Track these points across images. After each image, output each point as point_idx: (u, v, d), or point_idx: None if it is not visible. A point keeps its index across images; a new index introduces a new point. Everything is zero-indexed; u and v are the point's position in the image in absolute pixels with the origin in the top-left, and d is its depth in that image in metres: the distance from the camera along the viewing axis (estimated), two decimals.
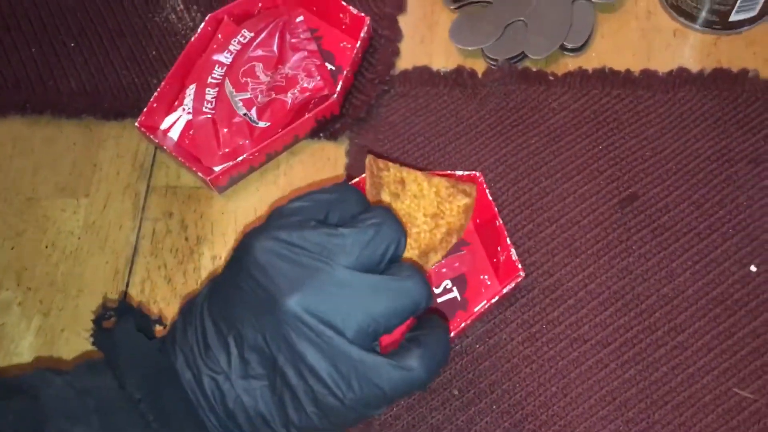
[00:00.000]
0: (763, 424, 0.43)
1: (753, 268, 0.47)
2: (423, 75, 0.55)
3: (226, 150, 0.51)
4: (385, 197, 0.39)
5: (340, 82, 0.52)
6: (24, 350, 0.48)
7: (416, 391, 0.34)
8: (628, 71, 0.53)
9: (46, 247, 0.52)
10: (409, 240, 0.38)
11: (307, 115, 0.51)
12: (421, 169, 0.42)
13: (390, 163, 0.40)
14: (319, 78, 0.52)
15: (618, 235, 0.48)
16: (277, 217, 0.34)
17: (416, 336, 0.35)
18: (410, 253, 0.38)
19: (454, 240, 0.39)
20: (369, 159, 0.39)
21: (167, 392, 0.33)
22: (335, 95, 0.51)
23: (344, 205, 0.35)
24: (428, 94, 0.54)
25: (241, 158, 0.50)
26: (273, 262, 0.32)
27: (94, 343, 0.36)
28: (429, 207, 0.39)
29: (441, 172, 0.47)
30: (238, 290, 0.33)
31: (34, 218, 0.53)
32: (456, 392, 0.45)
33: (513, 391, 0.45)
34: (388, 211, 0.35)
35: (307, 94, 0.52)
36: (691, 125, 0.51)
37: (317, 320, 0.31)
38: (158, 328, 0.39)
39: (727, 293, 0.46)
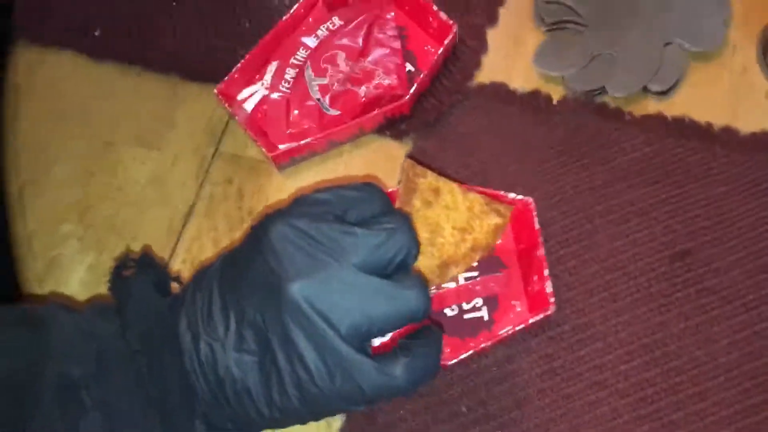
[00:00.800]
0: None
1: None
2: (499, 92, 0.54)
3: (293, 131, 0.53)
4: (417, 203, 0.39)
5: (415, 85, 0.52)
6: (74, 283, 0.52)
7: (398, 396, 0.35)
8: (709, 124, 0.52)
9: (114, 190, 0.55)
10: (431, 248, 0.39)
11: (376, 111, 0.52)
12: (476, 185, 0.42)
13: (428, 171, 0.41)
14: (395, 77, 0.53)
15: (662, 289, 0.47)
16: (298, 205, 0.35)
17: (408, 344, 0.35)
18: (431, 261, 0.39)
19: (477, 257, 0.40)
20: (407, 162, 0.40)
21: (165, 350, 0.35)
22: (407, 96, 0.52)
23: (366, 204, 0.36)
24: (501, 111, 0.54)
25: (304, 141, 0.51)
26: (286, 248, 0.33)
27: (110, 289, 0.38)
28: (459, 220, 0.40)
29: (493, 192, 0.47)
30: (248, 268, 0.34)
31: (107, 162, 0.56)
32: (464, 409, 0.45)
33: (521, 420, 0.45)
34: (406, 219, 0.36)
35: (381, 90, 0.53)
36: (763, 193, 0.49)
37: (315, 311, 0.32)
38: (174, 285, 0.41)
39: (762, 370, 0.45)
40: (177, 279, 0.42)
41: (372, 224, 0.35)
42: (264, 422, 0.36)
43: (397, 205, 0.40)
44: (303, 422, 0.37)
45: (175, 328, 0.35)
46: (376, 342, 0.44)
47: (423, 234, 0.40)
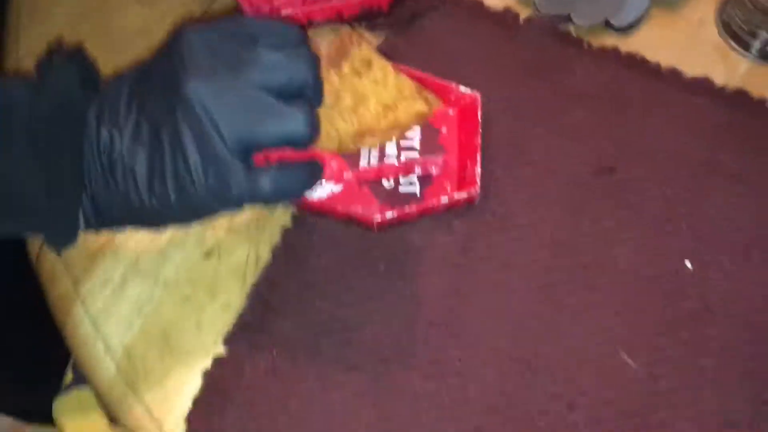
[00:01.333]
0: (630, 390, 0.45)
1: (688, 265, 0.49)
2: (472, 5, 0.59)
3: (277, 4, 0.57)
4: (346, 69, 0.42)
5: None
6: None
7: (263, 203, 0.38)
8: (658, 64, 0.56)
9: (103, 35, 0.59)
10: (352, 116, 0.41)
11: None
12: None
13: (365, 43, 0.43)
14: None
15: (582, 196, 0.51)
16: (216, 22, 0.38)
17: (285, 163, 0.38)
18: (349, 127, 0.41)
19: (394, 135, 0.43)
20: (345, 29, 0.42)
21: (68, 129, 0.37)
22: None
23: (281, 37, 0.38)
24: (471, 23, 0.58)
25: (285, 12, 0.55)
26: (191, 52, 0.36)
27: (35, 67, 0.39)
28: (385, 97, 0.42)
29: (445, 83, 0.51)
30: (155, 68, 0.38)
31: (102, 10, 0.60)
32: (382, 268, 0.49)
33: (430, 285, 0.49)
34: (312, 55, 0.38)
35: None
36: (695, 129, 0.53)
37: (205, 113, 0.35)
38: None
39: (655, 276, 0.48)
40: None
41: (279, 50, 0.37)
42: (144, 210, 0.38)
43: (324, 64, 0.42)
44: (181, 221, 0.40)
45: (84, 114, 0.38)
46: None
47: (347, 101, 0.42)
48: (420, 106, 0.43)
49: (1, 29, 0.61)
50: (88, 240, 0.50)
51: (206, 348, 0.47)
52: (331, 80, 0.42)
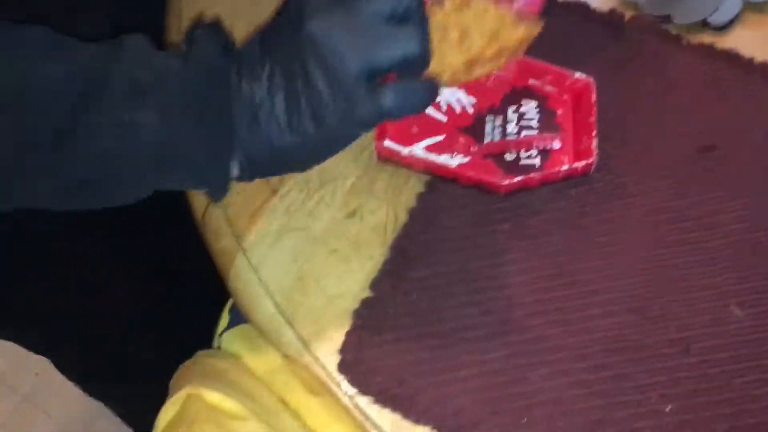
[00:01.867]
0: (740, 338, 0.50)
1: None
2: (580, 7, 0.66)
3: None
4: (449, 5, 0.44)
5: None
6: None
7: (388, 119, 0.43)
8: (751, 59, 0.61)
9: None
10: (459, 47, 0.44)
11: None
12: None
13: None
14: None
15: (686, 169, 0.57)
16: None
17: (403, 80, 0.42)
18: (458, 58, 0.44)
19: (502, 62, 0.46)
20: None
21: (218, 85, 0.42)
22: None
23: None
24: (579, 23, 0.65)
25: None
26: None
27: (183, 40, 0.45)
28: (488, 26, 0.44)
29: (558, 69, 0.58)
30: (280, 20, 0.43)
31: None
32: (506, 227, 0.55)
33: (550, 243, 0.54)
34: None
35: None
36: None
37: (328, 47, 0.40)
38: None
39: (759, 241, 0.53)
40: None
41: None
42: (288, 151, 0.43)
43: (429, 2, 0.44)
44: (321, 155, 0.45)
45: (227, 76, 0.42)
46: None
47: (453, 34, 0.44)
48: (522, 32, 0.46)
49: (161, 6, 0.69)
50: (248, 200, 0.58)
51: (354, 293, 0.54)
52: (435, 17, 0.44)
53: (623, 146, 0.58)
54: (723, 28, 0.63)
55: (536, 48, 0.63)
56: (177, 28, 0.67)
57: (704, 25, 0.63)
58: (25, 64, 0.39)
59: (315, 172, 0.59)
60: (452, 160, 0.57)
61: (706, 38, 0.63)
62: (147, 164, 0.42)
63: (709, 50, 0.62)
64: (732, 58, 0.62)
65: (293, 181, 0.58)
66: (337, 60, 0.40)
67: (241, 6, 0.69)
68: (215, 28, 0.45)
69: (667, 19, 0.64)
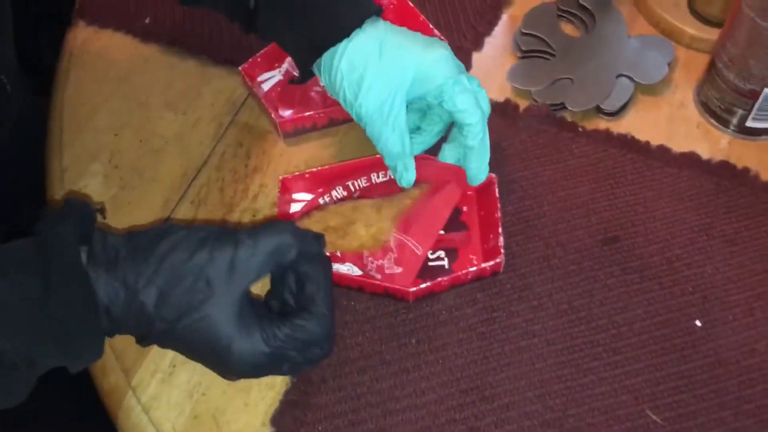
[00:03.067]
0: None
1: (698, 323, 0.53)
2: None
3: (299, 108, 0.63)
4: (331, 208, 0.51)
5: None
6: None
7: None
8: (647, 142, 0.61)
9: (140, 141, 0.64)
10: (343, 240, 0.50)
11: None
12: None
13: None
14: None
15: (593, 265, 0.56)
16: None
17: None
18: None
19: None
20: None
21: (74, 285, 0.39)
22: None
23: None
24: None
25: (308, 113, 0.61)
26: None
27: (33, 231, 0.41)
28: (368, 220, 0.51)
29: (458, 165, 0.57)
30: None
31: (139, 119, 0.66)
32: (414, 341, 0.53)
33: (460, 355, 0.52)
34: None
35: None
36: (687, 199, 0.59)
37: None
38: (100, 218, 0.45)
39: (669, 336, 0.52)
40: (101, 210, 0.46)
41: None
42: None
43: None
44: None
45: (86, 273, 0.40)
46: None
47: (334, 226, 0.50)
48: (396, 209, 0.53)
49: (42, 145, 0.66)
50: None
51: (255, 428, 0.50)
52: (315, 217, 0.50)
53: (528, 243, 0.57)
54: (616, 113, 0.63)
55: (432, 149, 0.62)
56: (58, 167, 0.63)
57: (598, 111, 0.63)
58: None
59: None
60: (355, 269, 0.55)
61: (602, 123, 0.63)
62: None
63: (606, 135, 0.62)
64: (628, 142, 0.62)
65: None
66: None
67: (126, 115, 0.66)
68: (75, 209, 0.43)
69: (561, 107, 0.63)
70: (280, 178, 0.58)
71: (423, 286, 0.53)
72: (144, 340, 0.43)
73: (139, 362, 0.53)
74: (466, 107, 0.52)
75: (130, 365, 0.53)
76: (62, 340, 0.40)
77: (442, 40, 0.65)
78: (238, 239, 0.42)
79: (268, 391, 0.51)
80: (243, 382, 0.51)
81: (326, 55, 0.53)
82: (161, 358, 0.53)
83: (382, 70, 0.52)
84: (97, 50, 0.71)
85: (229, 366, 0.42)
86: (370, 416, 0.50)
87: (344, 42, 0.52)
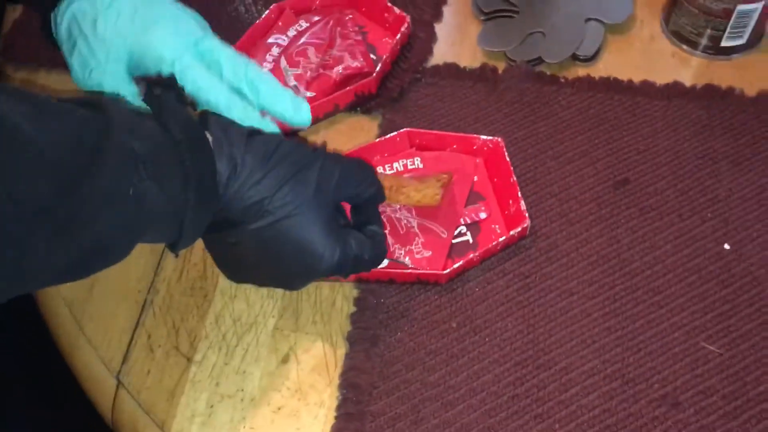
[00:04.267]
0: (725, 374, 0.48)
1: (726, 246, 0.53)
2: (451, 69, 0.63)
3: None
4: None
5: (380, 65, 0.60)
6: None
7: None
8: (630, 81, 0.61)
9: None
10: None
11: (347, 88, 0.59)
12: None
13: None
14: (362, 59, 0.61)
15: (609, 211, 0.55)
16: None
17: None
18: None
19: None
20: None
21: (198, 143, 0.41)
22: (374, 73, 0.60)
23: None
24: (454, 85, 0.62)
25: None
26: None
27: (144, 99, 0.43)
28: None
29: (466, 135, 0.56)
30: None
31: None
32: (454, 325, 0.51)
33: (504, 329, 0.50)
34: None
35: (350, 71, 0.60)
36: (682, 128, 0.58)
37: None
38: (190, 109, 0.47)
39: (701, 265, 0.52)
40: (192, 103, 0.47)
41: None
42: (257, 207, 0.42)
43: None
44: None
45: (204, 136, 0.41)
46: None
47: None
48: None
49: None
50: (162, 378, 0.50)
51: None
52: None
53: (541, 202, 0.56)
54: (592, 58, 0.62)
55: (414, 123, 0.60)
56: None
57: (574, 58, 0.62)
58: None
59: (230, 323, 0.52)
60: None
61: (581, 71, 0.62)
62: (145, 228, 0.40)
63: (588, 82, 0.61)
64: (612, 84, 0.61)
65: (206, 343, 0.51)
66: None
67: None
68: (171, 84, 0.45)
69: (538, 61, 0.62)
70: None
71: (456, 266, 0.51)
72: (220, 230, 0.43)
73: (172, 412, 0.49)
74: (202, 84, 0.46)
75: (164, 417, 0.49)
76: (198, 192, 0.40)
77: (403, 16, 0.63)
78: (343, 164, 0.45)
79: (318, 409, 0.48)
80: (289, 406, 0.48)
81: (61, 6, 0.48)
82: (194, 401, 0.49)
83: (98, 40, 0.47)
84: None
85: (315, 266, 0.43)
86: (430, 411, 0.48)
87: None
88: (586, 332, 0.50)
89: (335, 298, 0.52)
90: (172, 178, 0.39)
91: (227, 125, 0.43)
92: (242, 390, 0.49)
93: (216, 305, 0.52)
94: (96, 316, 0.53)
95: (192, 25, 0.48)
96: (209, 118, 0.43)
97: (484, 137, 0.55)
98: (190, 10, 0.49)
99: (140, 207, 0.38)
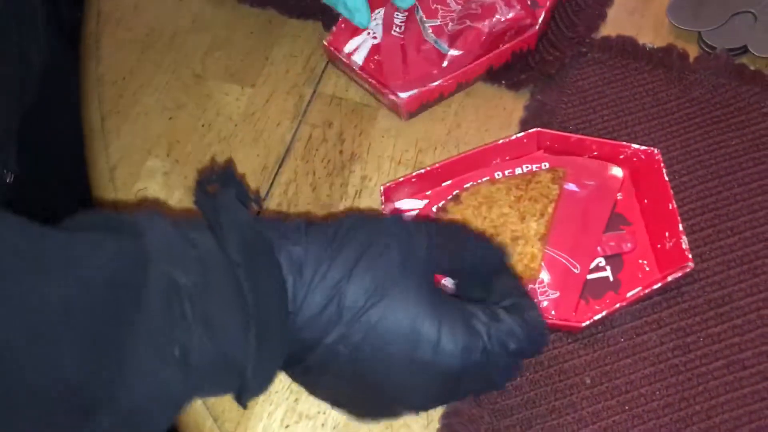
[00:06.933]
0: None
1: None
2: (626, 46, 0.50)
3: (413, 76, 0.49)
4: (466, 202, 0.44)
5: (543, 14, 0.49)
6: None
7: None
8: None
9: (203, 126, 0.51)
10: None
11: (502, 47, 0.48)
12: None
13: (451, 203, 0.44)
14: (519, 8, 0.49)
15: None
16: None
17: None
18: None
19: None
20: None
21: (262, 261, 0.31)
22: (537, 25, 0.48)
23: None
24: (627, 67, 0.50)
25: (434, 84, 0.48)
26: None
27: (196, 203, 0.33)
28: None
29: (614, 142, 0.44)
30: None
31: (197, 95, 0.52)
32: (588, 381, 0.41)
33: (651, 398, 0.41)
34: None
35: (506, 23, 0.48)
36: None
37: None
38: (252, 206, 0.36)
39: None
40: (257, 199, 0.37)
41: None
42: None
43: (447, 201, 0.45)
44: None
45: (270, 242, 0.32)
46: None
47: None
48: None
49: (79, 132, 0.53)
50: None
51: None
52: (452, 213, 0.44)
53: (718, 239, 0.44)
54: None
55: (568, 110, 0.48)
56: (105, 157, 0.51)
57: None
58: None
59: None
60: None
61: None
62: (190, 395, 0.31)
63: None
64: None
65: None
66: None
67: (179, 92, 0.53)
68: (228, 178, 0.34)
69: (742, 51, 0.49)
70: (381, 187, 0.45)
71: (597, 317, 0.41)
72: (299, 361, 0.32)
73: (243, 423, 0.42)
74: None
75: (233, 427, 0.42)
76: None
77: None
78: (428, 225, 0.35)
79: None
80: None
81: None
82: (268, 416, 0.42)
83: None
84: (132, 6, 0.56)
85: (434, 360, 0.32)
86: None
87: None
88: (755, 420, 0.40)
89: None
90: (226, 318, 0.30)
91: (278, 223, 0.34)
92: (324, 413, 0.42)
93: None
94: None
95: None
96: (260, 223, 0.33)
97: (635, 146, 0.43)
98: None
99: (186, 366, 0.29)
